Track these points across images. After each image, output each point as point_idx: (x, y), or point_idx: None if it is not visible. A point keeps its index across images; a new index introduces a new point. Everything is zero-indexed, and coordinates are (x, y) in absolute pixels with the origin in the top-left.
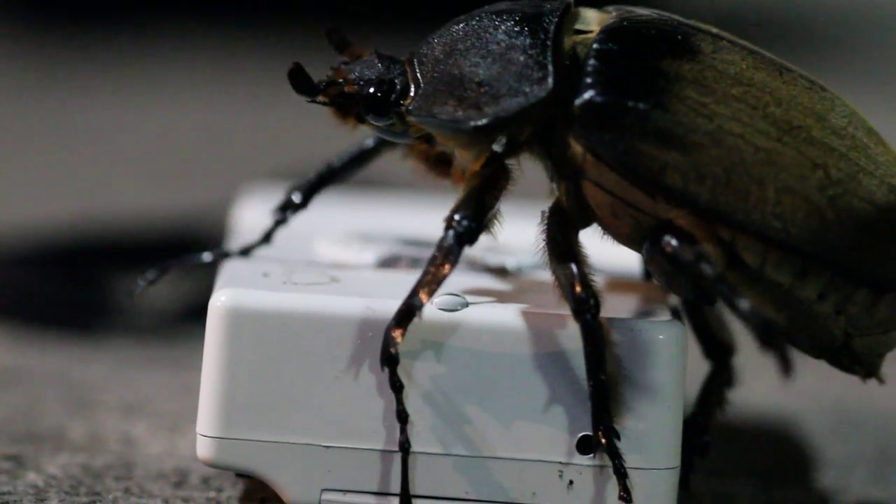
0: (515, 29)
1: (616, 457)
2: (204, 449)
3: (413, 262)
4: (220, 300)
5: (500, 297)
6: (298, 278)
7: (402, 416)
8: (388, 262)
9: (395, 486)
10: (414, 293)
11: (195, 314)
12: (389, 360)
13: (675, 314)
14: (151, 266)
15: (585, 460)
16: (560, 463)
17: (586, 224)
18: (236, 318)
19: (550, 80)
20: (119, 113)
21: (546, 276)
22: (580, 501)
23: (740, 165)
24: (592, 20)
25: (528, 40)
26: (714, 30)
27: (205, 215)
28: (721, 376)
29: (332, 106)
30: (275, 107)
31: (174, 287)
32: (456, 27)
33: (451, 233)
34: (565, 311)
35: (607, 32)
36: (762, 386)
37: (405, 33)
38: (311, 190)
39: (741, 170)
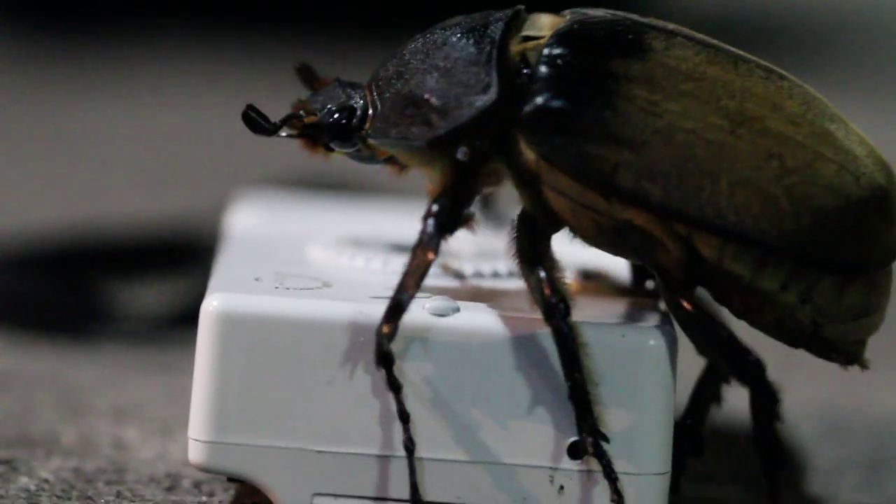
0: (462, 41)
1: (602, 458)
2: (195, 453)
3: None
4: (212, 304)
5: (492, 303)
6: (290, 283)
7: (404, 416)
8: (384, 267)
9: (387, 491)
10: (400, 288)
11: (187, 319)
12: (383, 358)
13: (666, 319)
14: (144, 271)
15: (576, 465)
16: (550, 468)
17: (555, 229)
18: (228, 322)
19: (494, 89)
20: (113, 117)
21: None
22: None
23: (692, 161)
24: (545, 25)
25: (473, 51)
26: (670, 26)
27: (198, 221)
28: (716, 373)
29: (300, 138)
30: (270, 112)
31: (166, 291)
32: (409, 46)
33: (430, 221)
34: None
35: (556, 37)
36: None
37: (400, 34)
38: None
39: (693, 165)
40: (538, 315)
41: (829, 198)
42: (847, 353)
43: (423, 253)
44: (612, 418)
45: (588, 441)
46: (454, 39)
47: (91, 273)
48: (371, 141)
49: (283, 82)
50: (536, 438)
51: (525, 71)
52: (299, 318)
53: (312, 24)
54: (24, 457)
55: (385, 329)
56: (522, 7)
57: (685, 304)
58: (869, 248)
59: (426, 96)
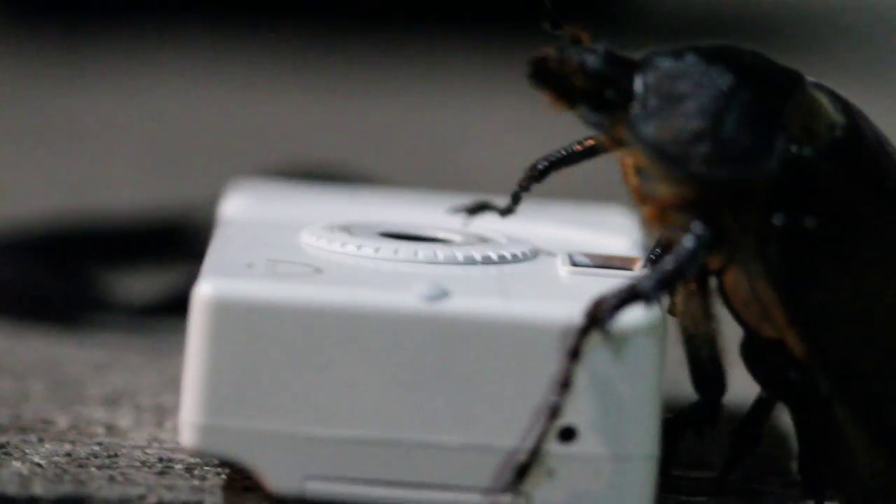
0: (757, 93)
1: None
2: (187, 437)
3: (395, 252)
4: (205, 290)
5: (484, 289)
6: (282, 269)
7: (566, 385)
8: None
9: (377, 474)
10: (648, 285)
11: (181, 306)
12: (590, 325)
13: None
14: (138, 259)
15: (567, 449)
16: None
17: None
18: (220, 307)
19: (773, 167)
20: (107, 105)
21: (531, 268)
22: (561, 490)
23: (863, 341)
24: (820, 115)
25: (767, 112)
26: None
27: (193, 209)
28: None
29: (550, 88)
30: (265, 102)
31: (160, 279)
32: (696, 58)
33: (692, 237)
34: (546, 302)
35: (832, 151)
36: (738, 387)
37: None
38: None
39: (860, 345)
40: (528, 301)
41: None
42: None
43: (679, 272)
44: (601, 401)
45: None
46: (754, 82)
47: (85, 260)
48: (623, 127)
49: (278, 71)
50: (528, 422)
51: (795, 167)
52: (291, 303)
53: (310, 13)
54: (17, 442)
55: (608, 307)
56: (802, 77)
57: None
58: None
59: (702, 131)
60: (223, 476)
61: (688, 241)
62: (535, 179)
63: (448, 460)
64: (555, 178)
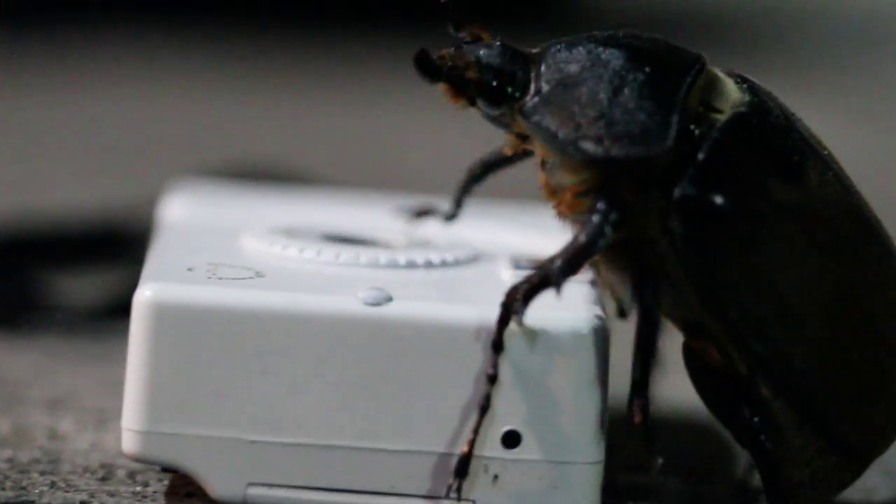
0: (650, 74)
1: (649, 434)
2: (129, 443)
3: (337, 256)
4: (145, 294)
5: (426, 293)
6: (223, 273)
7: (493, 379)
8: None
9: (320, 480)
10: (554, 270)
11: (122, 309)
12: (506, 318)
13: (599, 307)
14: (78, 261)
15: (510, 454)
16: (485, 457)
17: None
18: (161, 312)
19: (669, 143)
20: (47, 105)
21: (472, 272)
22: (506, 495)
23: (779, 310)
24: (724, 95)
25: (661, 91)
26: (825, 150)
27: (132, 211)
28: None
29: (448, 85)
30: (207, 102)
31: (100, 282)
32: (592, 45)
33: (596, 217)
34: (489, 306)
35: (733, 125)
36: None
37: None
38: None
39: (777, 315)
40: (471, 305)
41: (875, 388)
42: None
43: (583, 250)
44: (545, 407)
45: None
46: (647, 64)
47: (24, 263)
48: (520, 118)
49: (218, 70)
50: (470, 427)
51: (692, 142)
52: (232, 307)
53: (250, 12)
54: None
55: (522, 295)
56: (706, 61)
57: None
58: (881, 435)
59: (602, 113)
60: (165, 482)
61: (591, 221)
62: (473, 182)
63: (391, 466)
64: (501, 178)
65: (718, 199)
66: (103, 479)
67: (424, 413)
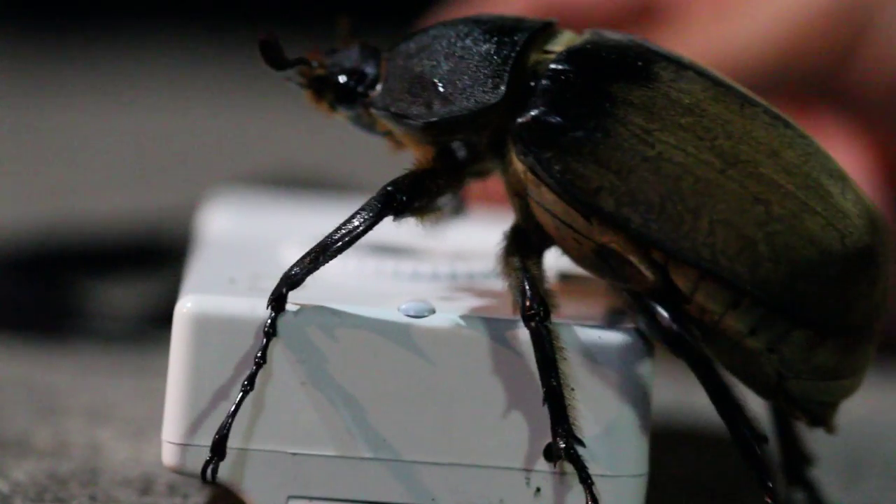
0: (487, 37)
1: (577, 463)
2: (169, 455)
3: (378, 267)
4: (186, 306)
5: (467, 305)
6: (264, 284)
7: (258, 365)
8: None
9: (360, 493)
10: (325, 245)
11: (161, 319)
12: (280, 300)
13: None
14: (117, 270)
15: (552, 467)
16: (527, 470)
17: (544, 244)
18: (202, 324)
19: (502, 89)
20: (88, 116)
21: None
22: None
23: (676, 194)
24: (562, 41)
25: (494, 49)
26: (686, 59)
27: (171, 220)
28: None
29: (307, 88)
30: (246, 112)
31: (139, 291)
32: (434, 29)
33: (381, 195)
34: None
35: (566, 53)
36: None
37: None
38: None
39: (677, 198)
40: (514, 317)
41: (810, 251)
42: (812, 413)
43: (355, 219)
44: (589, 420)
45: (561, 446)
46: (480, 33)
47: (64, 273)
48: (372, 110)
49: (260, 81)
50: (512, 440)
51: (531, 83)
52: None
53: (293, 20)
54: None
55: (293, 277)
56: (555, 21)
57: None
58: (846, 308)
59: (435, 80)
60: (206, 495)
61: (371, 202)
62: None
63: (432, 479)
64: None
65: (559, 112)
66: (143, 492)
67: (465, 425)
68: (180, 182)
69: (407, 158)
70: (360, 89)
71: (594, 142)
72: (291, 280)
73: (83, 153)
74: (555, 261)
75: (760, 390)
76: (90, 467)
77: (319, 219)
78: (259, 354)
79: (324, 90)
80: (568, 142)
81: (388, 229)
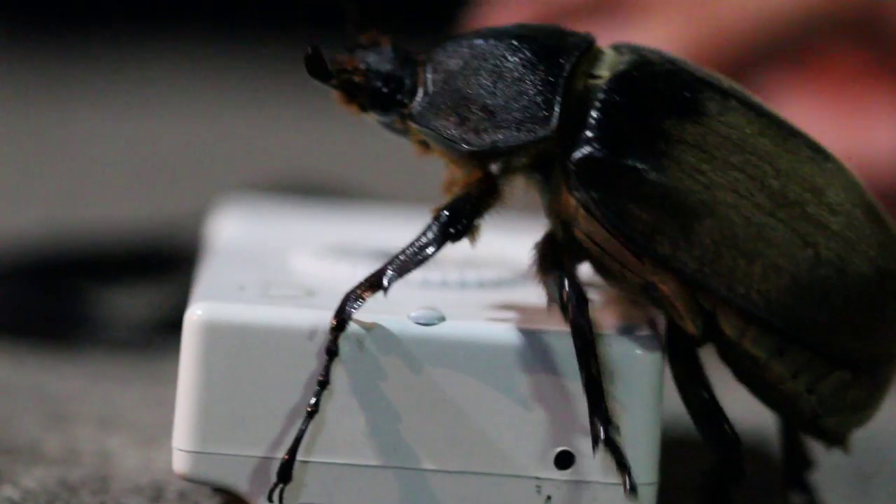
0: (532, 60)
1: (613, 449)
2: (180, 463)
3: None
4: (196, 314)
5: (478, 312)
6: (275, 291)
7: (323, 385)
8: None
9: (371, 501)
10: (383, 271)
11: (171, 326)
12: (341, 323)
13: (655, 330)
14: (127, 277)
15: (563, 475)
16: (538, 478)
17: (580, 258)
18: (212, 331)
19: (554, 122)
20: (95, 122)
21: (523, 291)
22: None
23: (731, 238)
24: (606, 63)
25: (541, 75)
26: (725, 83)
27: (180, 226)
28: (724, 471)
29: (340, 90)
30: (252, 118)
31: (149, 298)
32: (475, 41)
33: (436, 224)
34: (542, 325)
35: (614, 82)
36: (732, 402)
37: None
38: None
39: (731, 243)
40: (523, 325)
41: (855, 292)
42: (835, 439)
43: (415, 257)
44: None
45: (600, 433)
46: (525, 55)
47: (73, 279)
48: (410, 122)
49: (267, 87)
50: (523, 448)
51: (581, 111)
52: (284, 326)
53: (301, 27)
54: (7, 466)
55: (355, 299)
56: (594, 39)
57: (689, 365)
58: (883, 344)
59: (483, 105)
60: (216, 502)
61: (430, 227)
62: None
63: (442, 487)
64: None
65: (616, 150)
66: (154, 499)
67: (476, 434)
68: (189, 188)
69: (423, 164)
70: (398, 97)
71: (650, 183)
72: (352, 306)
73: (91, 159)
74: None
75: (791, 420)
76: (100, 475)
77: (329, 226)
78: (323, 375)
79: (358, 94)
80: (624, 182)
81: (397, 232)
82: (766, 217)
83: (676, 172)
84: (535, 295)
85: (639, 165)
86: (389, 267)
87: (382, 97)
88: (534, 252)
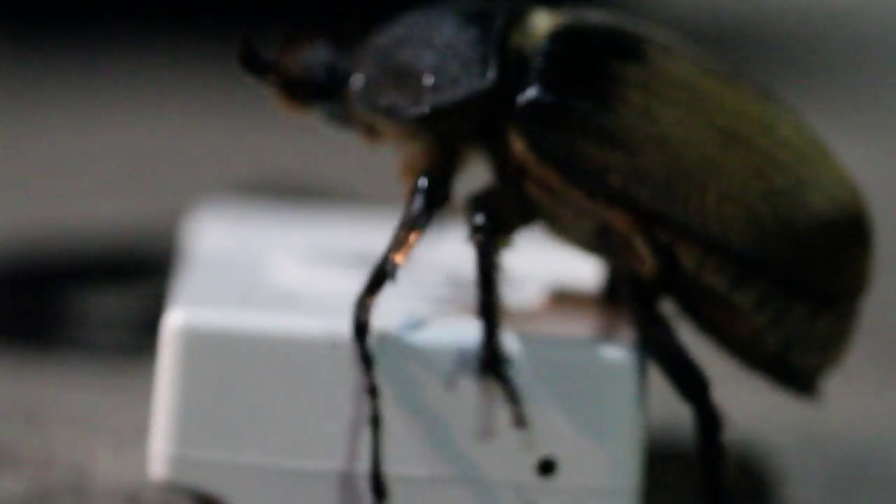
0: (465, 23)
1: (503, 379)
2: (157, 468)
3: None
4: (174, 319)
5: (456, 319)
6: (254, 297)
7: (374, 391)
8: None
9: None
10: (386, 259)
11: (148, 328)
12: (360, 330)
13: (632, 336)
14: (103, 279)
15: (546, 481)
16: (518, 484)
17: (522, 222)
18: (190, 337)
19: (493, 74)
20: (71, 126)
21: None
22: None
23: (682, 170)
24: (545, 22)
25: (475, 34)
26: (667, 41)
27: (157, 229)
28: (702, 420)
29: (278, 86)
30: (228, 121)
31: (125, 300)
32: (408, 18)
33: (419, 197)
34: (521, 330)
35: (556, 34)
36: (733, 401)
37: None
38: None
39: (683, 174)
40: (506, 328)
41: (812, 223)
42: (805, 383)
43: (410, 230)
44: (581, 435)
45: (491, 362)
46: (458, 20)
47: (49, 282)
48: (353, 105)
49: (244, 88)
50: (503, 454)
51: (522, 64)
52: (264, 332)
53: (278, 28)
54: None
55: (367, 300)
56: (533, 7)
57: (648, 310)
58: (844, 277)
59: (422, 70)
60: None
61: (413, 202)
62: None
63: (425, 493)
64: None
65: (561, 91)
66: (131, 503)
67: (457, 439)
68: (167, 189)
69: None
70: (337, 84)
71: (599, 120)
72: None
73: (66, 161)
74: (547, 278)
75: (757, 363)
76: (77, 478)
77: (308, 230)
78: (370, 385)
79: (297, 89)
80: (573, 120)
81: (378, 236)
82: (716, 149)
83: (623, 109)
84: (522, 297)
85: (585, 103)
86: (389, 254)
87: (322, 87)
88: (466, 198)
